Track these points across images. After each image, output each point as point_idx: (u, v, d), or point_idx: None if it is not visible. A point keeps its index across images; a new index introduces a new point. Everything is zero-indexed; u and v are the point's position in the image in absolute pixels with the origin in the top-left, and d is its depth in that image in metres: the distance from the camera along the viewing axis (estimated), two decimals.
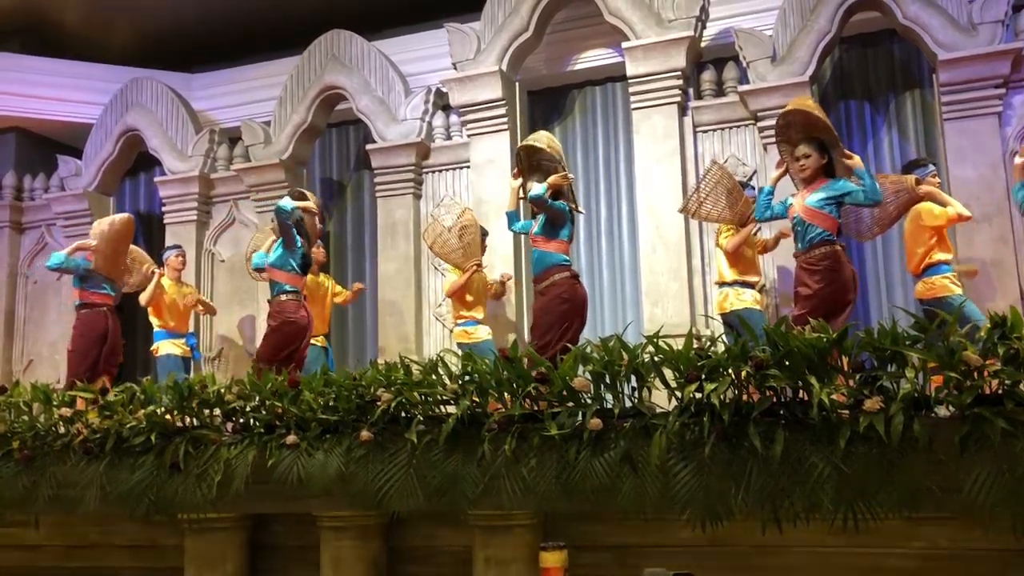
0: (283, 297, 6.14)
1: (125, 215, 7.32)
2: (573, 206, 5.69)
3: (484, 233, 6.85)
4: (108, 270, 7.00)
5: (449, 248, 6.80)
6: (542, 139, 5.71)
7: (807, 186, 5.18)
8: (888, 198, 5.78)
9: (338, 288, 7.54)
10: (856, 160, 5.06)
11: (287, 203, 6.11)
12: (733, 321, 5.82)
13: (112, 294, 7.07)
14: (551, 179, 5.52)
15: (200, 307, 7.73)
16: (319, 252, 7.13)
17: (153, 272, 7.37)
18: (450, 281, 6.77)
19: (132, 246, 7.56)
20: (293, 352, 6.13)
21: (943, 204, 5.66)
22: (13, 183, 9.07)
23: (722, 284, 6.13)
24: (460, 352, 6.40)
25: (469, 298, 6.72)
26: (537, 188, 5.51)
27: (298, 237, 6.17)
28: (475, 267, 6.71)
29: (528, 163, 5.75)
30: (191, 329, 7.69)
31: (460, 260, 6.75)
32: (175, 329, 7.34)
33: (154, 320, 7.33)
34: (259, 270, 6.67)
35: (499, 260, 7.01)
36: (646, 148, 6.87)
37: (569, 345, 4.92)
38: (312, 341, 6.81)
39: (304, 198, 6.37)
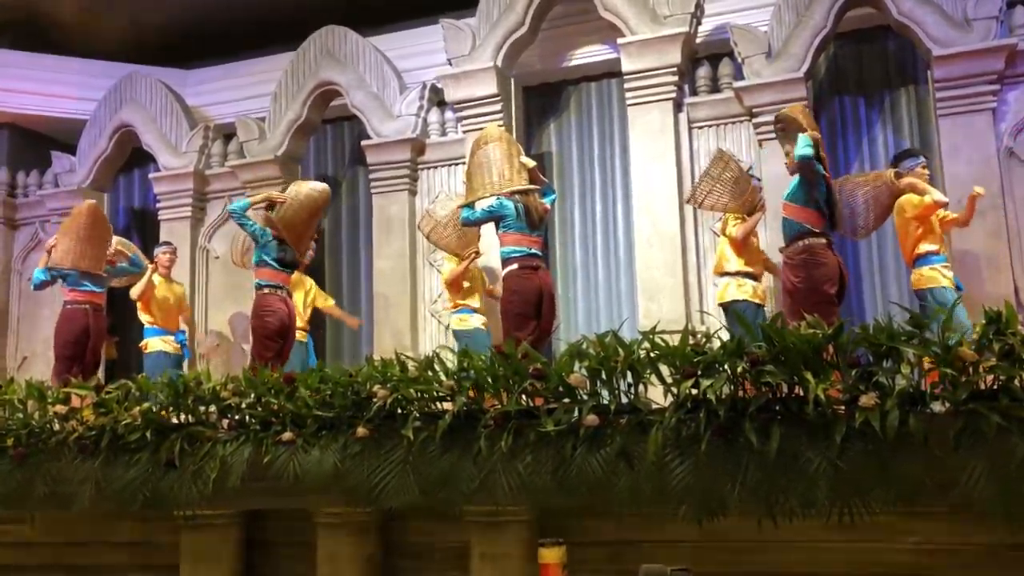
0: (263, 291, 6.22)
1: (84, 203, 7.27)
2: (511, 195, 5.78)
3: None
4: (84, 265, 6.91)
5: (446, 236, 6.80)
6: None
7: None
8: (868, 194, 5.82)
9: (326, 297, 7.55)
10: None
11: (236, 204, 6.32)
12: (731, 310, 5.88)
13: (96, 290, 6.98)
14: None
15: (185, 313, 7.71)
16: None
17: (146, 267, 7.34)
18: (449, 270, 6.77)
19: (125, 240, 7.53)
20: (281, 346, 6.14)
21: (923, 194, 5.68)
22: (7, 179, 9.04)
23: (723, 274, 6.12)
24: (455, 340, 6.47)
25: (466, 284, 6.74)
26: (462, 215, 5.96)
27: (266, 231, 6.21)
28: (474, 254, 6.72)
29: None
30: (181, 326, 7.66)
31: (457, 248, 6.75)
32: (164, 326, 7.31)
33: (144, 317, 7.30)
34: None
35: (496, 258, 6.99)
36: (641, 144, 6.86)
37: (566, 341, 4.96)
38: None
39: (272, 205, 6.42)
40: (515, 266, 5.69)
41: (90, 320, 6.84)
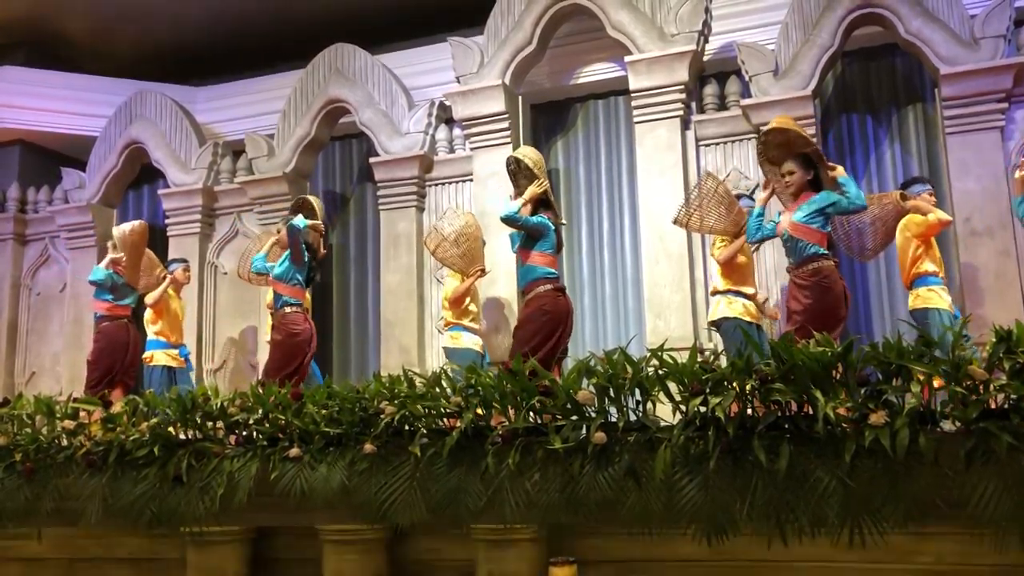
0: (287, 310, 6.25)
1: (140, 222, 7.40)
2: (552, 216, 5.85)
3: (482, 243, 6.84)
4: (131, 279, 7.17)
5: (452, 253, 6.79)
6: (528, 153, 6.01)
7: (794, 202, 5.27)
8: (875, 215, 5.83)
9: None
10: (839, 170, 5.18)
11: (300, 221, 6.32)
12: (722, 327, 5.89)
13: (132, 304, 7.25)
14: (527, 194, 5.78)
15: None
16: None
17: (165, 276, 7.36)
18: (452, 287, 6.76)
19: (147, 250, 7.58)
20: (299, 365, 6.15)
21: (927, 214, 5.70)
22: (17, 195, 9.09)
23: (714, 293, 6.15)
24: (446, 358, 6.47)
25: (471, 306, 6.73)
26: (509, 206, 5.78)
27: (306, 252, 6.26)
28: (479, 272, 6.71)
29: (515, 176, 6.05)
30: (185, 340, 7.65)
31: (463, 265, 6.74)
32: (170, 339, 7.31)
33: (151, 327, 7.30)
34: (260, 274, 6.78)
35: (503, 274, 7.00)
36: (649, 161, 6.88)
37: (574, 358, 4.95)
38: None
39: (311, 209, 6.51)
40: (550, 287, 5.72)
41: (131, 333, 7.12)
